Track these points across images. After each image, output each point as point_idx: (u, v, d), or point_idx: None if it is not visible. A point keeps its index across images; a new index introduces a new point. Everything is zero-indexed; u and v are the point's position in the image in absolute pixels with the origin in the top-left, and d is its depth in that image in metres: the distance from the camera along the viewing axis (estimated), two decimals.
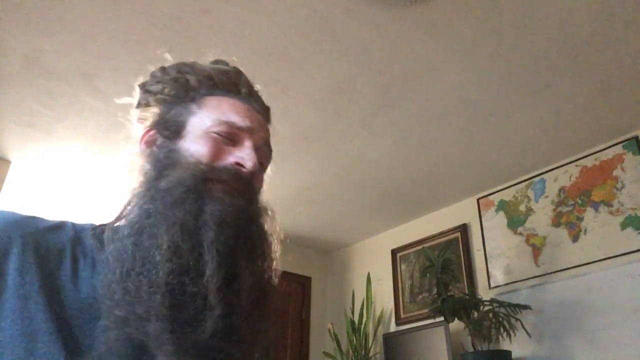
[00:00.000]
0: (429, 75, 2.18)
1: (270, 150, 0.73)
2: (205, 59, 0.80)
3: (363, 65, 2.12)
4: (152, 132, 0.70)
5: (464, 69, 2.14)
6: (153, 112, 0.73)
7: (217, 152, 0.65)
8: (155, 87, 0.74)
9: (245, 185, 0.65)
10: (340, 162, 2.86)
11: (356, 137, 2.63)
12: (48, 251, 0.57)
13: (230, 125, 0.68)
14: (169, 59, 0.77)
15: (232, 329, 0.55)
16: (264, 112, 0.76)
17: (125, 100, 0.78)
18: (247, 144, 0.68)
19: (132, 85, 0.76)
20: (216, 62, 0.79)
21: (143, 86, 0.75)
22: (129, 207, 0.63)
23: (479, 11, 1.85)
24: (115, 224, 0.62)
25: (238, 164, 0.65)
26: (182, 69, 0.74)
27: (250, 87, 0.77)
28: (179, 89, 0.73)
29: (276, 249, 0.67)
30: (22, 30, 1.91)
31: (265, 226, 0.66)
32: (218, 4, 1.82)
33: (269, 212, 0.68)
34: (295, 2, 1.81)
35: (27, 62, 2.07)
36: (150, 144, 0.69)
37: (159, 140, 0.68)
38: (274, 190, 3.39)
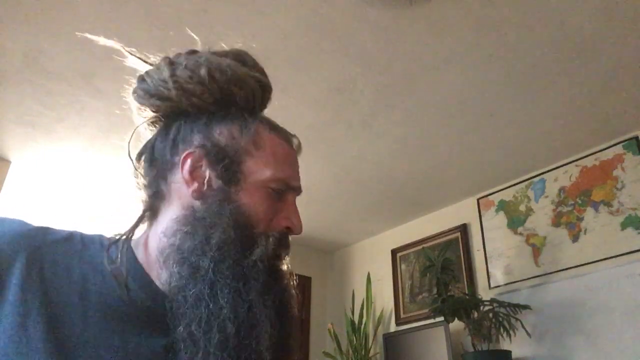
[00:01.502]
0: (429, 75, 2.18)
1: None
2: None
3: (363, 65, 2.12)
4: (197, 157, 0.61)
5: (464, 69, 2.14)
6: (170, 106, 0.64)
7: (273, 213, 0.62)
8: (193, 88, 0.62)
9: (289, 247, 0.64)
10: (340, 162, 2.86)
11: (356, 137, 2.63)
12: (55, 265, 0.55)
13: (286, 183, 0.64)
14: (197, 40, 0.70)
15: None
16: (299, 149, 0.74)
17: (134, 63, 0.67)
18: (294, 204, 0.66)
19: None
20: (253, 66, 0.70)
21: (173, 71, 0.63)
22: (160, 236, 0.60)
23: (479, 11, 1.85)
24: (124, 238, 0.60)
25: (288, 228, 0.63)
26: (231, 77, 0.64)
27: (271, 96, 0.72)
28: (220, 101, 0.64)
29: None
30: (22, 30, 1.91)
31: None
32: (218, 4, 1.82)
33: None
34: (295, 2, 1.81)
35: (27, 62, 2.07)
36: (196, 171, 0.61)
37: (212, 178, 0.60)
38: None
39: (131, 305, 0.56)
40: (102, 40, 0.69)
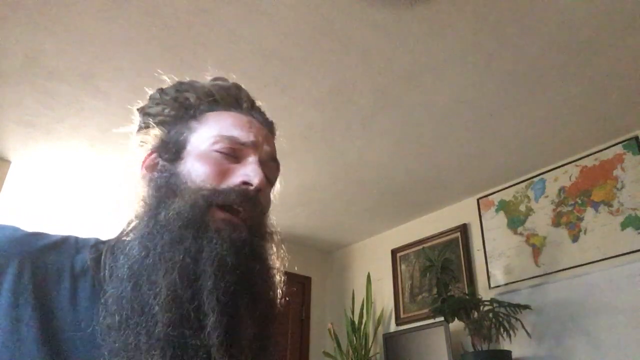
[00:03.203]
0: (429, 75, 2.18)
1: (276, 164, 0.69)
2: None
3: (363, 65, 2.12)
4: (153, 156, 0.67)
5: (464, 69, 2.14)
6: (154, 134, 0.70)
7: (220, 172, 0.61)
8: (155, 109, 0.71)
9: (252, 206, 0.61)
10: (340, 162, 2.86)
11: (356, 137, 2.63)
12: (46, 271, 0.55)
13: (233, 140, 0.64)
14: (167, 81, 0.74)
15: None
16: (269, 126, 0.72)
17: (125, 129, 0.75)
18: (252, 160, 0.64)
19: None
20: (215, 79, 0.75)
21: (142, 110, 0.72)
22: (129, 232, 0.61)
23: (479, 11, 1.85)
24: (113, 243, 0.60)
25: (244, 182, 0.61)
26: (180, 87, 0.71)
27: (252, 101, 0.74)
28: (178, 109, 0.70)
29: (280, 280, 0.63)
30: (22, 30, 1.91)
31: (270, 255, 0.62)
32: (218, 4, 1.82)
33: (275, 236, 0.65)
34: (295, 2, 1.81)
35: (27, 62, 2.07)
36: (151, 168, 0.66)
37: (160, 164, 0.65)
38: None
39: None
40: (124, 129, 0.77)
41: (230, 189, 0.60)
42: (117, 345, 0.50)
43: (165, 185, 0.61)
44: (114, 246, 0.60)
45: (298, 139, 2.61)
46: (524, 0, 1.81)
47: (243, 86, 0.76)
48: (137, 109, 0.73)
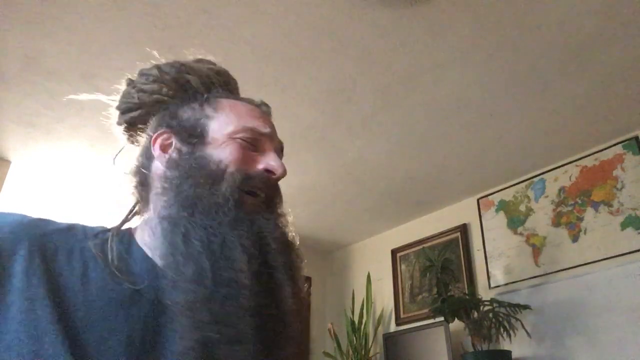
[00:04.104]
0: (429, 75, 2.18)
1: (282, 152, 0.73)
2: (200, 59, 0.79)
3: (363, 65, 2.12)
4: (165, 136, 0.68)
5: (464, 69, 2.14)
6: (146, 112, 0.72)
7: (246, 159, 0.65)
8: (151, 87, 0.71)
9: (275, 192, 0.66)
10: (340, 162, 2.86)
11: (356, 137, 2.63)
12: (56, 253, 0.56)
13: (253, 131, 0.67)
14: (157, 57, 0.75)
15: (298, 347, 0.58)
16: (270, 114, 0.76)
17: (101, 97, 0.76)
18: (271, 150, 0.68)
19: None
20: (200, 61, 0.77)
21: (134, 85, 0.73)
22: (137, 213, 0.64)
23: (479, 11, 1.85)
24: (123, 228, 0.63)
25: (268, 170, 0.65)
26: (181, 68, 0.72)
27: (237, 87, 0.78)
28: (178, 90, 0.71)
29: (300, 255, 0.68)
30: (22, 30, 1.91)
31: (290, 235, 0.68)
32: (218, 4, 1.82)
33: (289, 219, 0.69)
34: (295, 2, 1.81)
35: (27, 62, 2.07)
36: (166, 148, 0.67)
37: (179, 145, 0.66)
38: None
39: (132, 291, 0.57)
40: (84, 97, 0.79)
41: (257, 175, 0.64)
42: (206, 316, 0.52)
43: (196, 166, 0.63)
44: (122, 229, 0.63)
45: (298, 139, 2.61)
46: (524, 0, 1.81)
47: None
48: (127, 83, 0.74)
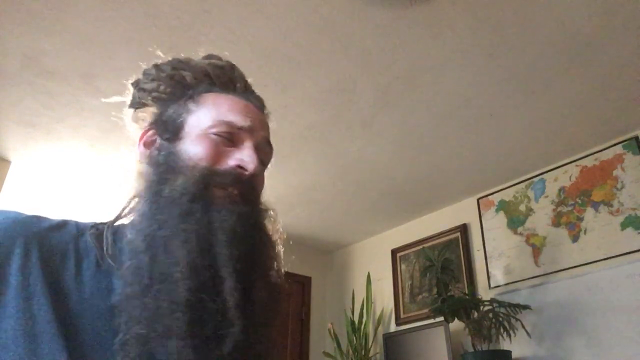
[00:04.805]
0: (429, 75, 2.18)
1: (271, 148, 0.72)
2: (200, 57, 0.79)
3: (363, 65, 2.12)
4: (150, 133, 0.69)
5: (464, 69, 2.14)
6: (150, 111, 0.72)
7: (217, 154, 0.64)
8: (150, 85, 0.72)
9: (247, 188, 0.64)
10: (340, 162, 2.86)
11: (356, 137, 2.63)
12: (51, 250, 0.57)
13: (230, 125, 0.66)
14: (162, 57, 0.75)
15: (250, 342, 0.56)
16: (262, 107, 0.74)
17: (116, 99, 0.77)
18: (248, 145, 0.66)
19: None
20: (209, 56, 0.77)
21: (137, 84, 0.74)
22: (131, 210, 0.63)
23: (479, 11, 1.85)
24: (116, 223, 0.63)
25: (239, 166, 0.64)
26: (176, 65, 0.72)
27: (245, 81, 0.76)
28: (175, 86, 0.71)
29: (280, 250, 0.67)
30: (22, 30, 1.91)
31: (269, 228, 0.66)
32: (218, 4, 1.82)
33: (271, 213, 0.68)
34: (295, 2, 1.81)
35: (27, 62, 2.07)
36: (149, 145, 0.68)
37: (158, 142, 0.67)
38: (274, 190, 3.38)
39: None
40: (115, 99, 0.79)
41: (226, 171, 0.63)
42: (138, 311, 0.52)
43: (164, 162, 0.63)
44: (115, 225, 0.63)
45: (298, 139, 2.61)
46: (523, 0, 1.81)
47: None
48: (132, 83, 0.74)
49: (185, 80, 0.71)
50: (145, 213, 0.59)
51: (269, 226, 0.66)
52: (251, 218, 0.62)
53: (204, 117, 0.66)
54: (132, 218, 0.63)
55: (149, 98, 0.72)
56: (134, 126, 0.73)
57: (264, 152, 0.69)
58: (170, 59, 0.74)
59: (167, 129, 0.67)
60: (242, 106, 0.69)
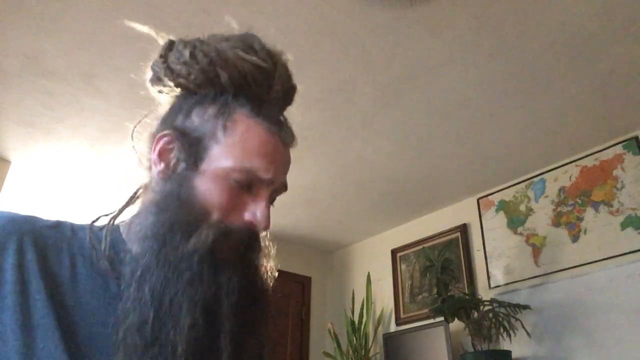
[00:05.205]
0: (429, 75, 2.18)
1: (285, 189, 0.66)
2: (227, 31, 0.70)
3: (363, 65, 2.12)
4: (167, 139, 0.62)
5: (464, 68, 2.14)
6: (172, 96, 0.66)
7: (233, 205, 0.60)
8: (178, 68, 0.64)
9: (255, 246, 0.63)
10: (340, 162, 2.86)
11: (356, 137, 2.63)
12: (46, 248, 0.57)
13: (253, 174, 0.60)
14: (234, 27, 0.68)
15: None
16: (291, 142, 0.68)
17: (145, 29, 0.71)
18: (264, 196, 0.62)
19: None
20: (250, 50, 0.67)
21: (165, 58, 0.66)
22: (132, 217, 0.63)
23: (479, 11, 1.85)
24: (111, 223, 0.62)
25: (252, 223, 0.61)
26: (214, 59, 0.63)
27: (285, 89, 0.69)
28: (204, 82, 0.64)
29: (269, 287, 0.66)
30: (22, 30, 1.91)
31: (263, 269, 0.65)
32: (218, 4, 1.82)
33: (269, 250, 0.66)
34: (295, 2, 1.81)
35: (27, 62, 2.07)
36: (164, 155, 0.62)
37: (178, 158, 0.61)
38: None
39: (117, 286, 0.58)
40: (139, 27, 0.73)
41: (239, 230, 0.60)
42: (134, 357, 0.52)
43: (180, 199, 0.59)
44: (114, 225, 0.62)
45: (298, 139, 2.61)
46: (524, 0, 1.81)
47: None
48: (163, 49, 0.68)
49: (219, 79, 0.64)
50: (150, 248, 0.57)
51: (265, 264, 0.65)
52: (255, 287, 0.62)
53: (228, 153, 0.60)
54: (135, 227, 0.61)
55: (172, 80, 0.65)
56: (161, 105, 0.68)
57: (277, 194, 0.65)
58: (205, 39, 0.65)
59: (189, 152, 0.61)
60: (270, 148, 0.63)
